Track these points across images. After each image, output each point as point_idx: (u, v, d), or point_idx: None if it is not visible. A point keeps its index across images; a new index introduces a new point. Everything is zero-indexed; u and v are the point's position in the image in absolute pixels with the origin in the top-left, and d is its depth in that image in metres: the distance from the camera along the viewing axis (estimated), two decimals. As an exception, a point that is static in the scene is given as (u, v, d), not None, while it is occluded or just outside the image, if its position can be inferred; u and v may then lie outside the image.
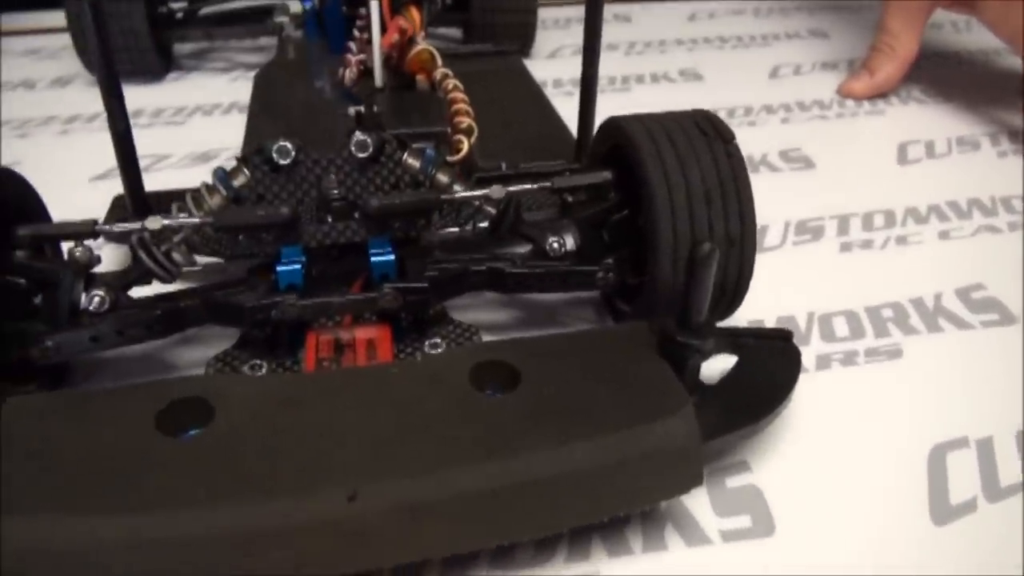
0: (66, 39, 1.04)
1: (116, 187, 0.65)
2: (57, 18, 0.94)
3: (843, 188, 0.70)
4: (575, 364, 0.38)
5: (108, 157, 0.75)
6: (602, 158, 0.51)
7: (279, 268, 0.44)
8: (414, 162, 0.47)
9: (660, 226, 0.43)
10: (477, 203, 0.49)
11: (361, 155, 0.45)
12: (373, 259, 0.45)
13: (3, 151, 0.75)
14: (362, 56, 0.73)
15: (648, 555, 0.37)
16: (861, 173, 0.74)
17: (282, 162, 0.44)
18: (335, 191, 0.45)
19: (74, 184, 0.70)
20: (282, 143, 0.44)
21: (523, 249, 0.51)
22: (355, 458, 0.32)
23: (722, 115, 0.48)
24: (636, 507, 0.36)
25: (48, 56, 1.01)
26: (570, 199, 0.53)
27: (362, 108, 0.61)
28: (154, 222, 0.43)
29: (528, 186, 0.48)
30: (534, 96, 0.80)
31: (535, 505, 0.33)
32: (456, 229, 0.52)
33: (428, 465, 0.32)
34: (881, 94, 0.89)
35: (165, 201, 0.58)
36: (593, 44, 0.58)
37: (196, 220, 0.44)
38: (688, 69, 0.98)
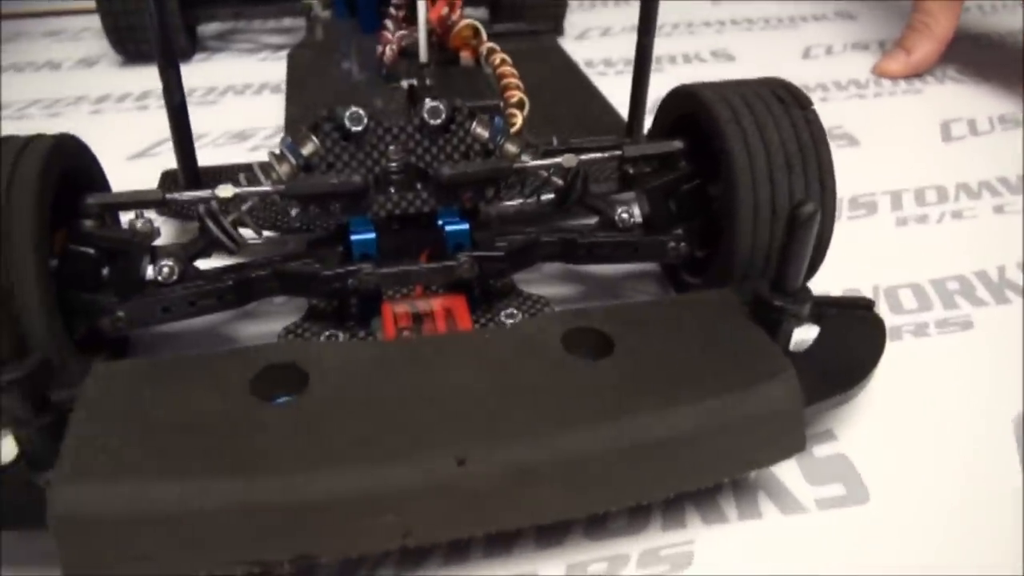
0: (86, 21, 1.03)
1: (154, 165, 0.64)
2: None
3: (891, 165, 0.69)
4: (667, 330, 0.37)
5: (143, 136, 0.74)
6: (668, 129, 0.50)
7: (353, 237, 0.43)
8: (483, 131, 0.46)
9: (740, 193, 0.43)
10: (545, 174, 0.48)
11: (434, 122, 0.44)
12: (447, 228, 0.44)
13: (35, 131, 0.74)
14: (404, 32, 0.73)
15: (744, 523, 0.36)
16: (907, 150, 0.73)
17: (354, 129, 0.43)
18: (407, 159, 0.44)
19: (112, 163, 0.69)
20: (355, 110, 0.43)
21: (586, 221, 0.50)
22: (460, 422, 0.32)
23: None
24: (741, 472, 0.36)
25: (69, 38, 1.00)
26: (631, 171, 0.52)
27: (415, 81, 0.61)
28: (225, 190, 0.42)
29: (600, 155, 0.47)
30: (573, 74, 0.79)
31: (643, 469, 0.32)
32: (517, 201, 0.52)
33: (536, 429, 0.31)
34: (917, 74, 0.89)
35: (215, 176, 0.58)
36: (650, 16, 0.57)
37: (267, 188, 0.43)
38: (720, 49, 0.97)
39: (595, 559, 0.35)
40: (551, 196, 0.51)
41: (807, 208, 0.34)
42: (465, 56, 0.71)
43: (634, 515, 0.36)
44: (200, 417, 0.31)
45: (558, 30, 0.92)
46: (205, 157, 0.70)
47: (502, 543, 0.35)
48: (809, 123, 0.44)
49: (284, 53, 0.94)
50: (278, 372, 0.34)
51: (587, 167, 0.48)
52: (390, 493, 0.30)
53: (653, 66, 0.93)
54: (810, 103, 0.45)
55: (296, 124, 0.66)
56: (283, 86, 0.85)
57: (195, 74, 0.88)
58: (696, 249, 0.48)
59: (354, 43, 0.86)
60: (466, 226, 0.44)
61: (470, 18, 0.69)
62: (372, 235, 0.43)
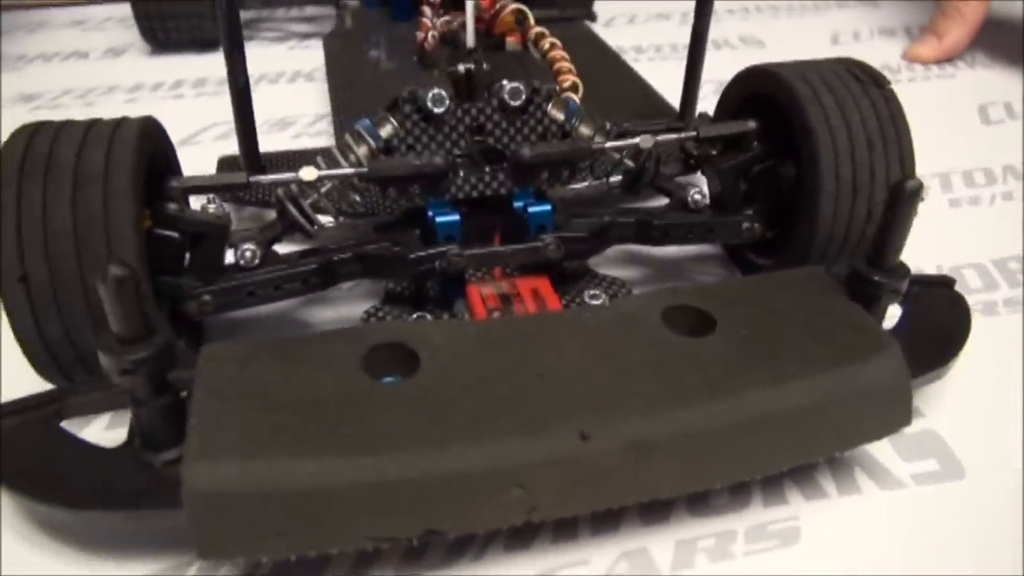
0: (108, 10, 1.03)
1: (199, 153, 0.64)
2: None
3: (935, 148, 0.69)
4: (765, 307, 0.37)
5: (183, 124, 0.74)
6: (735, 110, 0.50)
7: (438, 219, 0.43)
8: (558, 113, 0.46)
9: (822, 172, 0.43)
10: (617, 156, 0.48)
11: (514, 103, 0.44)
12: (531, 210, 0.44)
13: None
14: (447, 18, 0.72)
15: (845, 498, 0.37)
16: (948, 133, 0.73)
17: (436, 110, 0.43)
18: (485, 141, 0.44)
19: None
20: (437, 91, 0.43)
21: (646, 204, 0.50)
22: (577, 399, 0.32)
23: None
24: (851, 446, 0.36)
25: (94, 27, 0.99)
26: (694, 153, 0.52)
27: (471, 66, 0.60)
28: (309, 173, 0.42)
29: (675, 136, 0.47)
30: (612, 59, 0.79)
31: (760, 443, 0.32)
32: (582, 184, 0.52)
33: (655, 405, 0.31)
34: (948, 59, 0.89)
35: (274, 162, 0.57)
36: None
37: (349, 171, 0.43)
38: (748, 35, 0.97)
39: (702, 535, 0.35)
40: (618, 178, 0.51)
41: (911, 184, 0.34)
42: (511, 41, 0.70)
43: (735, 492, 0.37)
44: (318, 395, 0.31)
45: (590, 16, 0.92)
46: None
47: (610, 520, 0.35)
48: (887, 102, 0.44)
49: (311, 42, 0.94)
50: (386, 351, 0.34)
51: (659, 149, 0.48)
52: (517, 468, 0.30)
53: (682, 52, 0.94)
54: (888, 82, 0.45)
55: (345, 110, 0.66)
56: (316, 74, 0.85)
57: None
58: (767, 230, 0.48)
59: (386, 31, 0.86)
60: (549, 207, 0.44)
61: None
62: (456, 217, 0.43)
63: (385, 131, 0.44)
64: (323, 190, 0.44)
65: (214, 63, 0.88)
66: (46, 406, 0.34)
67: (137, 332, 0.29)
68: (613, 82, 0.73)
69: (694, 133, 0.48)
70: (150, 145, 0.40)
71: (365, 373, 0.33)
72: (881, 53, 0.92)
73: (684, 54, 0.92)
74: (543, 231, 0.44)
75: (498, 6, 0.67)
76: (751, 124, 0.48)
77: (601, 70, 0.76)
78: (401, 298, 0.45)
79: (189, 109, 0.77)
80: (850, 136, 0.43)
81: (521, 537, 0.34)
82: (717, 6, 1.12)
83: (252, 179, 0.42)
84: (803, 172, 0.44)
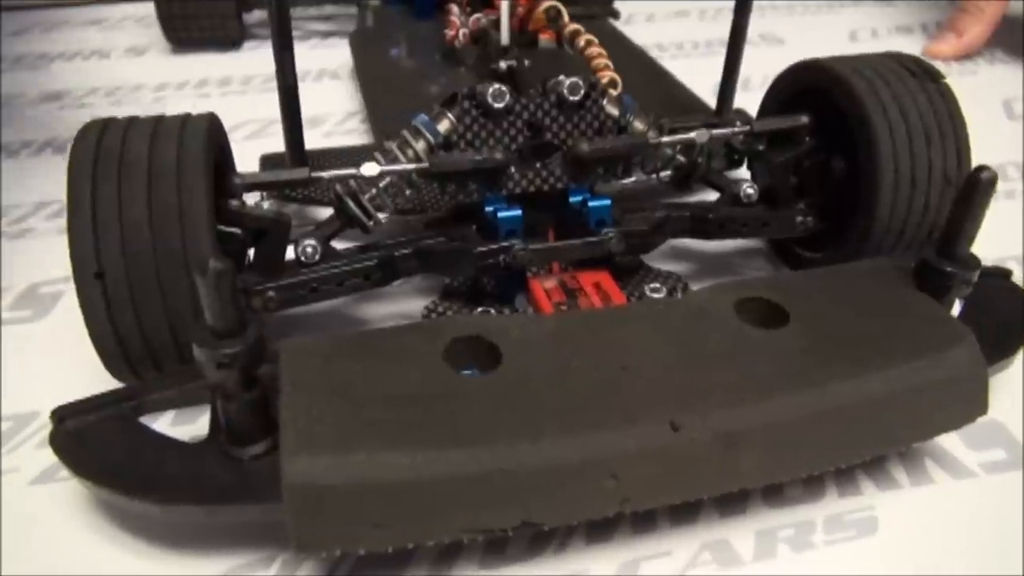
0: (126, 10, 1.02)
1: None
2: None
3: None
4: (835, 299, 0.37)
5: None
6: (784, 105, 0.50)
7: (500, 214, 0.43)
8: (613, 109, 0.46)
9: (881, 165, 0.43)
10: (669, 151, 0.49)
11: (572, 98, 0.44)
12: (591, 204, 0.44)
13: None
14: (479, 16, 0.72)
15: (919, 488, 0.37)
16: (975, 128, 0.73)
17: (497, 105, 0.43)
18: (542, 136, 0.44)
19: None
20: (497, 86, 0.43)
21: (690, 199, 0.50)
22: (663, 390, 0.32)
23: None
24: (930, 435, 0.36)
25: (112, 27, 0.99)
26: (739, 147, 0.52)
27: (513, 63, 0.61)
28: (370, 168, 0.42)
29: (729, 130, 0.48)
30: (639, 56, 0.79)
31: (842, 434, 0.33)
32: (630, 180, 0.52)
33: (740, 396, 0.32)
34: (967, 55, 0.90)
35: (315, 159, 0.57)
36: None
37: (410, 166, 0.43)
38: (767, 33, 0.98)
39: (781, 526, 0.35)
40: (667, 174, 0.51)
41: (987, 174, 0.35)
42: (545, 38, 0.70)
43: (809, 483, 0.37)
44: (405, 389, 0.31)
45: (613, 14, 0.92)
46: (279, 143, 0.69)
47: (689, 513, 0.35)
48: (943, 96, 0.44)
49: (333, 41, 0.94)
50: (465, 344, 0.34)
51: (711, 144, 0.48)
52: (611, 459, 0.30)
53: (704, 50, 0.95)
54: (942, 76, 0.45)
55: (379, 107, 0.66)
56: (341, 72, 0.85)
57: (250, 61, 0.88)
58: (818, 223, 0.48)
59: (409, 29, 0.86)
60: (608, 202, 0.44)
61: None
62: (519, 212, 0.43)
63: (443, 126, 0.44)
64: (381, 185, 0.44)
65: (236, 62, 0.89)
66: (124, 402, 0.34)
67: (232, 326, 0.29)
68: (642, 79, 0.73)
69: (748, 128, 0.48)
70: (215, 141, 0.40)
71: (448, 366, 0.33)
72: (900, 49, 0.92)
73: (705, 51, 0.94)
74: (603, 225, 0.44)
75: (531, 3, 0.67)
76: (803, 119, 0.48)
77: (629, 67, 0.75)
78: (458, 294, 0.45)
79: (216, 108, 0.76)
80: (908, 129, 0.43)
81: (602, 530, 0.34)
82: (731, 3, 1.13)
83: (314, 175, 0.42)
84: (860, 165, 0.44)
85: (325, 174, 0.43)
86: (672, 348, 0.34)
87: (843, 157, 0.47)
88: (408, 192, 0.48)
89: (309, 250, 0.42)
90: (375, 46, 0.81)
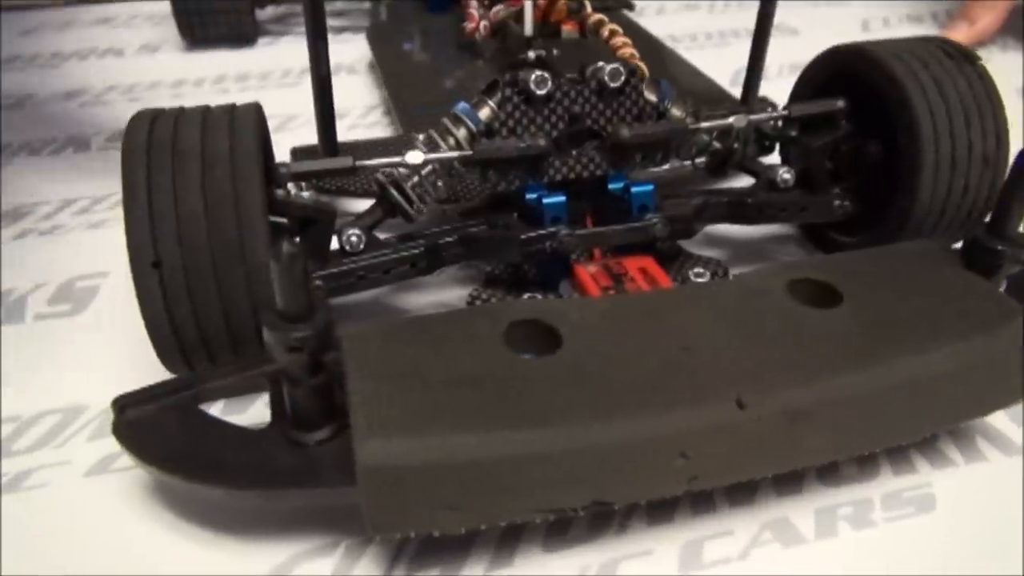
0: (137, 8, 1.02)
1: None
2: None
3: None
4: (886, 278, 0.37)
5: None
6: (817, 90, 0.51)
7: (545, 201, 0.43)
8: (651, 95, 0.46)
9: (923, 147, 0.43)
10: (706, 137, 0.49)
11: (613, 84, 0.44)
12: (634, 190, 0.44)
13: (116, 116, 0.73)
14: (500, 7, 0.72)
15: (973, 465, 0.37)
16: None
17: (539, 92, 0.43)
18: (582, 122, 0.44)
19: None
20: (540, 73, 0.43)
21: (721, 185, 0.51)
22: (726, 369, 0.32)
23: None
24: (989, 411, 0.36)
25: (122, 24, 0.98)
26: (770, 134, 0.53)
27: (542, 52, 0.61)
28: (415, 156, 0.42)
29: (767, 115, 0.48)
30: (657, 47, 0.79)
31: (906, 410, 0.33)
32: (664, 168, 0.52)
33: (804, 373, 0.32)
34: (980, 43, 0.90)
35: (347, 152, 0.57)
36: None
37: (453, 154, 0.43)
38: (781, 23, 0.97)
39: (840, 504, 0.35)
40: (702, 160, 0.51)
41: (1039, 152, 0.35)
42: (567, 29, 0.71)
43: (863, 462, 0.37)
44: (470, 372, 0.31)
45: (628, 5, 0.92)
46: (303, 136, 0.70)
47: (746, 492, 0.35)
48: (981, 78, 0.45)
49: (346, 36, 0.94)
50: (524, 328, 0.34)
51: (747, 130, 0.48)
52: (680, 438, 0.30)
53: (718, 40, 0.95)
54: (979, 58, 0.46)
55: (404, 99, 0.66)
56: (358, 67, 0.85)
57: (266, 57, 0.87)
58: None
59: (425, 23, 0.86)
60: (651, 187, 0.44)
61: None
62: (563, 198, 0.43)
63: (484, 113, 0.44)
64: (424, 172, 0.44)
65: (252, 58, 0.89)
66: (183, 391, 0.34)
67: (302, 311, 0.29)
68: (663, 68, 0.73)
69: (786, 112, 0.48)
70: (263, 131, 0.40)
71: (509, 349, 0.33)
72: (913, 39, 0.93)
73: (719, 42, 0.94)
74: (645, 211, 0.44)
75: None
76: (839, 103, 0.48)
77: (649, 57, 0.76)
78: (500, 281, 0.45)
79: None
80: (948, 111, 0.43)
81: (662, 510, 0.35)
82: (747, -5, 1.12)
83: (359, 163, 0.42)
84: (899, 148, 0.45)
85: (370, 162, 0.43)
86: (730, 329, 0.34)
87: (878, 141, 0.47)
88: (440, 183, 0.48)
89: (354, 239, 0.42)
90: (394, 40, 0.81)
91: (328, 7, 1.02)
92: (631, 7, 0.91)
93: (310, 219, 0.41)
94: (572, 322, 0.34)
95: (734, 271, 0.46)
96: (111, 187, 0.61)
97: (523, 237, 0.42)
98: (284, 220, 0.41)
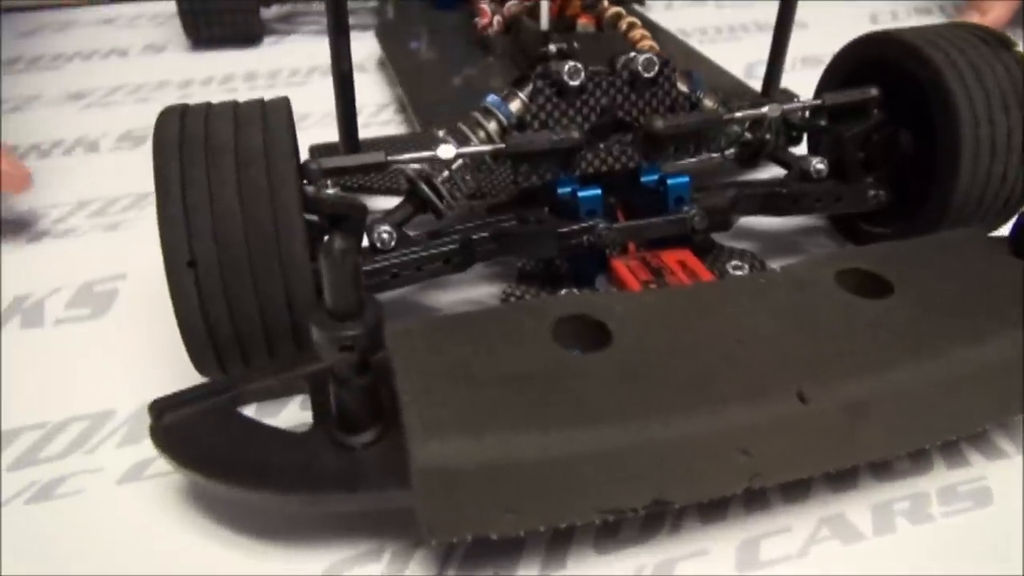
0: (139, 8, 1.01)
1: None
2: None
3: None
4: (935, 268, 0.37)
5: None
6: (845, 79, 0.50)
7: (581, 194, 0.42)
8: (683, 85, 0.45)
9: (963, 134, 0.42)
10: (737, 128, 0.48)
11: (647, 75, 0.43)
12: (670, 182, 0.43)
13: (124, 117, 0.72)
14: (512, 2, 0.72)
15: (1026, 456, 0.36)
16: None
17: (572, 83, 0.42)
18: (614, 114, 0.44)
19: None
20: (573, 64, 0.42)
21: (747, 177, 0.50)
22: (784, 363, 0.31)
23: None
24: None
25: (125, 25, 0.97)
26: (797, 124, 0.52)
27: (564, 45, 0.60)
28: (446, 150, 0.41)
29: (799, 104, 0.47)
30: (672, 40, 0.79)
31: (966, 401, 0.32)
32: (694, 159, 0.51)
33: (862, 365, 0.31)
34: (991, 34, 0.90)
35: (367, 149, 0.56)
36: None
37: (487, 147, 0.42)
38: (790, 17, 0.97)
39: (895, 499, 0.35)
40: (732, 151, 0.51)
41: (1092, 137, 0.34)
42: (583, 22, 0.70)
43: (915, 456, 0.36)
44: (521, 369, 0.30)
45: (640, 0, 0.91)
46: (317, 135, 0.68)
47: (800, 489, 0.35)
48: (1017, 62, 0.44)
49: (353, 34, 0.92)
50: (571, 323, 0.33)
51: (778, 121, 0.48)
52: (742, 434, 0.29)
53: (727, 35, 0.95)
54: (1015, 44, 0.45)
55: (420, 96, 0.66)
56: (367, 65, 0.84)
57: (272, 57, 0.86)
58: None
59: (433, 20, 0.85)
60: (687, 179, 0.43)
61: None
62: (599, 191, 0.42)
63: (515, 106, 0.43)
64: (454, 167, 0.43)
65: (258, 58, 0.87)
66: (220, 394, 0.33)
67: (353, 308, 0.28)
68: (680, 62, 0.72)
69: (820, 102, 0.47)
70: (293, 126, 0.39)
71: (558, 345, 0.32)
72: (923, 30, 0.93)
73: (728, 36, 0.93)
74: (681, 203, 0.43)
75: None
76: (873, 91, 0.47)
77: (666, 50, 0.75)
78: (532, 277, 0.44)
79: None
80: (987, 97, 0.43)
81: (716, 509, 0.34)
82: (750, -12, 1.11)
83: (390, 158, 0.41)
84: (936, 135, 0.44)
85: (402, 157, 0.42)
86: (783, 321, 0.33)
87: (910, 129, 0.47)
88: (468, 177, 0.47)
89: (385, 236, 0.41)
90: (404, 38, 0.80)
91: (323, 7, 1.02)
92: (641, 2, 0.90)
93: (341, 216, 0.40)
94: (620, 317, 0.33)
95: (771, 263, 0.45)
96: (124, 188, 0.60)
97: (561, 231, 0.41)
98: (315, 217, 0.40)
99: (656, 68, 0.43)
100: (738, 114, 0.45)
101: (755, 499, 0.34)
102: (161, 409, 0.32)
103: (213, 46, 0.88)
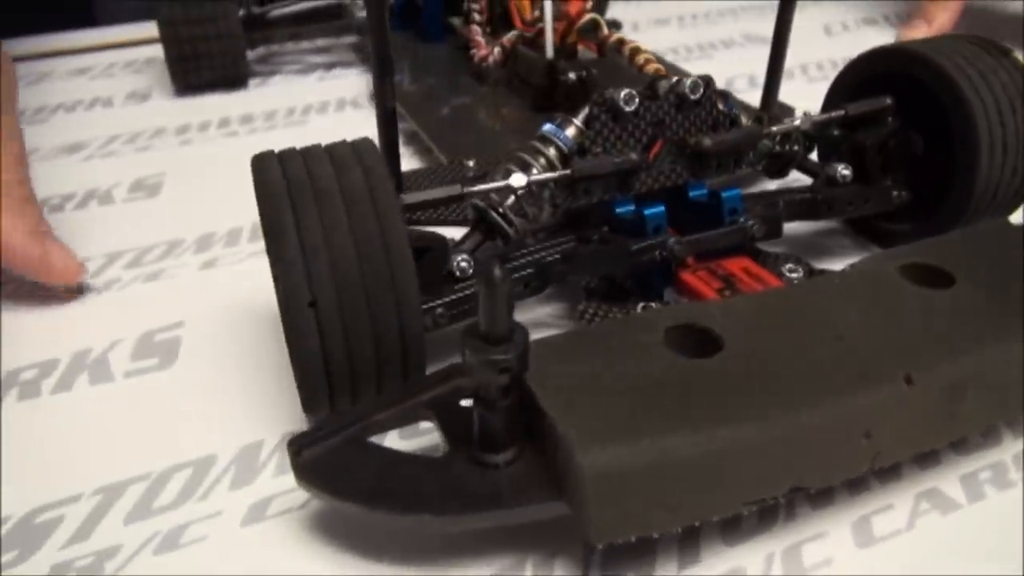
0: (113, 56, 0.99)
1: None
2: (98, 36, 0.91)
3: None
4: (985, 258, 0.40)
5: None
6: (853, 91, 0.54)
7: (647, 212, 0.44)
8: (720, 104, 0.48)
9: (980, 135, 0.47)
10: (768, 142, 0.51)
11: (693, 96, 0.46)
12: (724, 195, 0.46)
13: (130, 166, 0.71)
14: (512, 33, 0.74)
15: (1082, 423, 0.40)
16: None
17: (628, 109, 0.45)
18: (664, 134, 0.46)
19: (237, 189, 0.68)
20: (628, 90, 0.45)
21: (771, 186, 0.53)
22: (884, 351, 0.34)
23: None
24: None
25: (101, 74, 0.96)
26: (812, 134, 0.55)
27: (583, 72, 0.62)
28: (519, 179, 0.43)
29: (827, 115, 0.51)
30: (662, 62, 0.82)
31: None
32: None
33: (954, 348, 0.34)
34: (938, 40, 0.97)
35: (408, 181, 0.58)
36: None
37: (554, 174, 0.44)
38: (752, 34, 1.03)
39: (978, 469, 0.38)
40: (762, 163, 0.54)
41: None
42: (583, 49, 0.73)
43: (986, 429, 0.39)
44: (650, 378, 0.33)
45: (617, 25, 0.95)
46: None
47: (890, 467, 0.37)
48: (1016, 68, 0.49)
49: (337, 71, 0.94)
50: (679, 332, 0.35)
51: (807, 132, 0.51)
52: (863, 417, 0.32)
53: (698, 53, 0.99)
54: (1011, 51, 0.50)
55: (437, 128, 0.67)
56: (360, 101, 0.85)
57: (262, 98, 0.86)
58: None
59: (423, 54, 0.87)
60: (738, 192, 0.46)
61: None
62: (662, 208, 0.45)
63: (570, 132, 0.46)
64: (520, 193, 0.45)
65: (248, 100, 0.87)
66: (352, 425, 0.34)
67: (505, 333, 0.30)
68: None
69: (843, 112, 0.51)
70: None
71: (676, 353, 0.34)
72: (875, 41, 0.97)
73: (700, 55, 0.98)
74: (735, 214, 0.46)
75: (575, 17, 0.70)
76: (887, 100, 0.51)
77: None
78: (598, 294, 0.47)
79: (248, 145, 0.75)
80: (996, 101, 0.47)
81: (822, 494, 0.36)
82: (710, 7, 1.17)
83: (466, 190, 0.43)
84: (953, 138, 0.48)
85: (475, 188, 0.43)
86: (869, 314, 0.36)
87: (921, 133, 0.51)
88: (529, 203, 0.48)
89: (464, 265, 0.43)
90: (399, 72, 0.82)
91: (310, 44, 1.03)
92: (619, 27, 0.94)
93: (424, 248, 0.42)
94: (722, 323, 0.36)
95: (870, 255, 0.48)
96: (152, 238, 0.60)
97: (634, 248, 0.43)
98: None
99: (701, 90, 0.46)
100: (774, 128, 0.49)
101: (853, 482, 0.37)
102: (300, 446, 0.33)
103: (199, 91, 0.88)
